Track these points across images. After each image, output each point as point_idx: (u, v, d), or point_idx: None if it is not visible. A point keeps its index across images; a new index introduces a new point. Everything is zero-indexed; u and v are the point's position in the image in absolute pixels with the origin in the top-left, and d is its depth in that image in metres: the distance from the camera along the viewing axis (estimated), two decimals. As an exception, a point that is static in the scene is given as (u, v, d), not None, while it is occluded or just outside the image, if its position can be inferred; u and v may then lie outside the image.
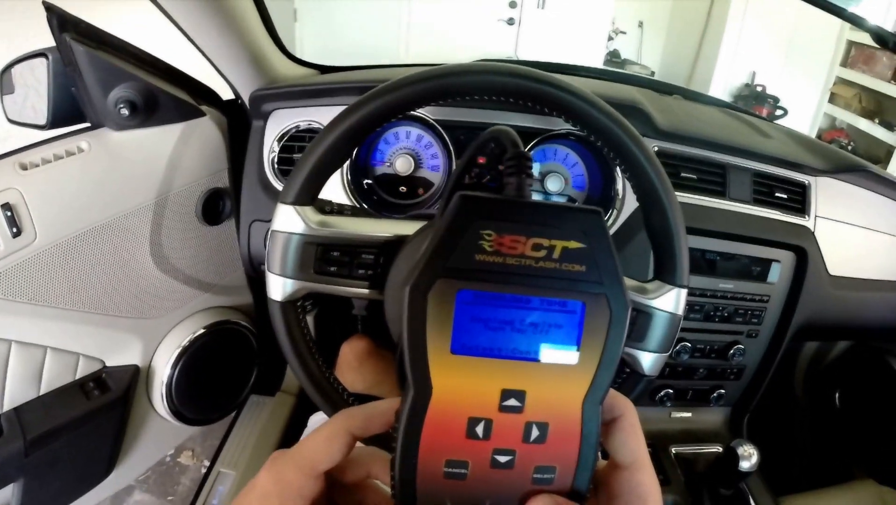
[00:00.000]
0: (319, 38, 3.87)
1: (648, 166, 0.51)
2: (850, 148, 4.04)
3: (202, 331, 1.05)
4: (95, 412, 0.92)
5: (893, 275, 1.04)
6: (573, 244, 0.28)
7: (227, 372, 1.15)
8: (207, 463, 1.53)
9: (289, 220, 0.51)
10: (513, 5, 3.89)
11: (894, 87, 3.62)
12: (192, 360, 1.04)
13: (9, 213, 0.78)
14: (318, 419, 0.83)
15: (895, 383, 1.07)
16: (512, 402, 0.29)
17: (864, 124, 3.91)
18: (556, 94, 0.49)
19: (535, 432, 0.29)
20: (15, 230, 0.78)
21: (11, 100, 0.93)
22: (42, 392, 0.88)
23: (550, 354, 0.29)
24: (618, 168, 0.87)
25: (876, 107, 3.93)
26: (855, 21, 0.84)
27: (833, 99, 4.22)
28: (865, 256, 1.02)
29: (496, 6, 3.90)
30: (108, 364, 0.96)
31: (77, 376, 0.93)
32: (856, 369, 1.17)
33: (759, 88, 4.29)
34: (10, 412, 0.85)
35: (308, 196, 0.51)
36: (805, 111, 4.30)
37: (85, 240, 0.87)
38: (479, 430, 0.29)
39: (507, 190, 0.33)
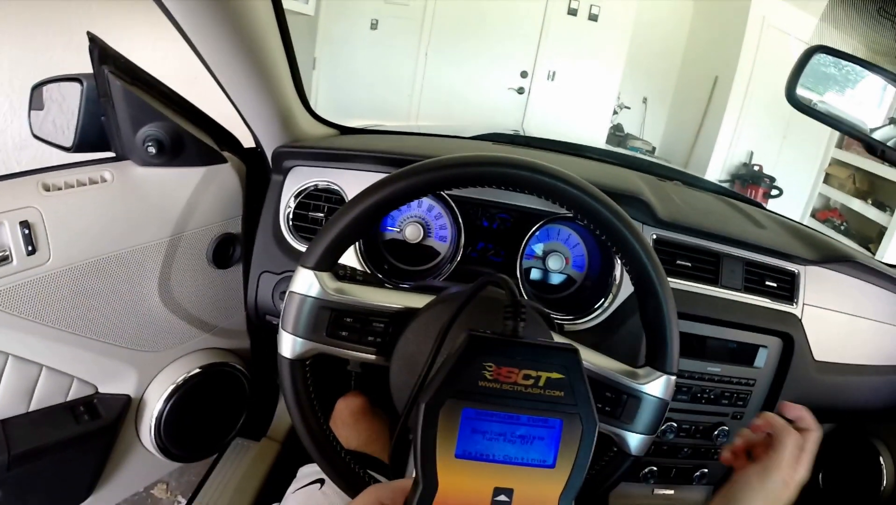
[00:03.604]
0: (336, 87, 4.00)
1: (647, 261, 0.55)
2: (843, 228, 4.13)
3: (197, 370, 1.06)
4: (83, 436, 0.92)
5: (877, 359, 1.06)
6: (555, 375, 0.36)
7: (216, 413, 1.15)
8: (182, 499, 1.51)
9: (307, 284, 0.54)
10: (524, 75, 4.06)
11: (887, 167, 3.73)
12: (185, 397, 1.04)
13: (26, 231, 0.79)
14: (308, 471, 0.84)
15: (878, 464, 1.07)
16: (502, 497, 0.36)
17: (857, 204, 4.03)
18: (569, 191, 0.54)
19: None
20: (30, 248, 0.80)
21: (38, 116, 0.96)
22: (31, 409, 0.88)
23: (534, 459, 0.36)
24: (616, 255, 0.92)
25: (869, 187, 4.05)
26: (842, 129, 0.89)
27: (828, 179, 4.35)
28: (850, 341, 1.04)
29: (508, 74, 4.07)
30: (100, 390, 0.97)
31: (68, 398, 0.93)
32: (840, 450, 1.17)
33: (756, 168, 4.41)
34: None
35: (328, 263, 0.55)
36: (800, 191, 4.42)
37: (96, 267, 0.88)
38: None
39: (506, 330, 0.40)
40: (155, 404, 1.02)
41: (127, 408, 0.99)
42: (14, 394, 0.86)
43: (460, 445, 0.35)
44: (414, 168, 0.54)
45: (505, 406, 0.35)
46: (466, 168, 0.54)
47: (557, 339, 0.58)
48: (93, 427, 0.93)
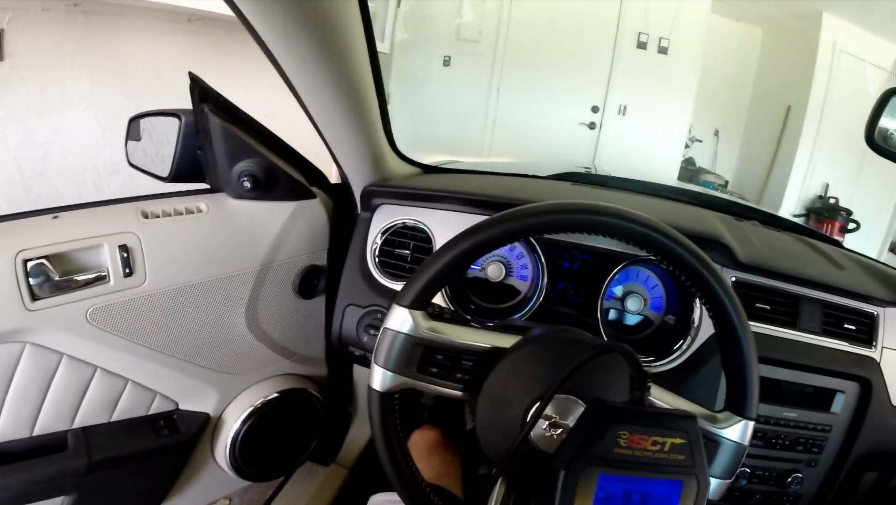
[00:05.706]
0: (409, 122, 4.08)
1: (730, 307, 0.56)
2: (924, 261, 3.86)
3: (275, 395, 1.10)
4: (161, 449, 0.96)
5: None
6: (678, 440, 0.41)
7: (289, 436, 1.18)
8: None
9: (402, 321, 0.57)
10: (595, 110, 4.05)
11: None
12: (261, 419, 1.08)
13: (125, 255, 0.85)
14: (380, 500, 0.85)
15: None
16: None
17: (939, 236, 3.77)
18: (658, 239, 0.56)
19: None
20: (127, 270, 0.86)
21: (135, 146, 1.03)
22: (113, 419, 0.93)
23: None
24: (697, 299, 0.91)
25: (952, 217, 3.78)
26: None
27: (907, 210, 4.10)
28: (931, 386, 0.99)
29: (579, 109, 4.07)
30: (181, 407, 1.01)
31: (150, 412, 0.97)
32: None
33: (832, 200, 4.22)
34: (77, 430, 0.89)
35: (422, 302, 0.58)
36: (879, 224, 4.18)
37: (188, 293, 0.94)
38: None
39: (634, 400, 0.45)
40: (232, 424, 1.06)
41: (205, 426, 1.04)
42: (98, 404, 0.90)
43: None
44: (510, 214, 0.57)
45: (637, 471, 0.40)
46: (561, 215, 0.57)
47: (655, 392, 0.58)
48: (171, 441, 0.97)
